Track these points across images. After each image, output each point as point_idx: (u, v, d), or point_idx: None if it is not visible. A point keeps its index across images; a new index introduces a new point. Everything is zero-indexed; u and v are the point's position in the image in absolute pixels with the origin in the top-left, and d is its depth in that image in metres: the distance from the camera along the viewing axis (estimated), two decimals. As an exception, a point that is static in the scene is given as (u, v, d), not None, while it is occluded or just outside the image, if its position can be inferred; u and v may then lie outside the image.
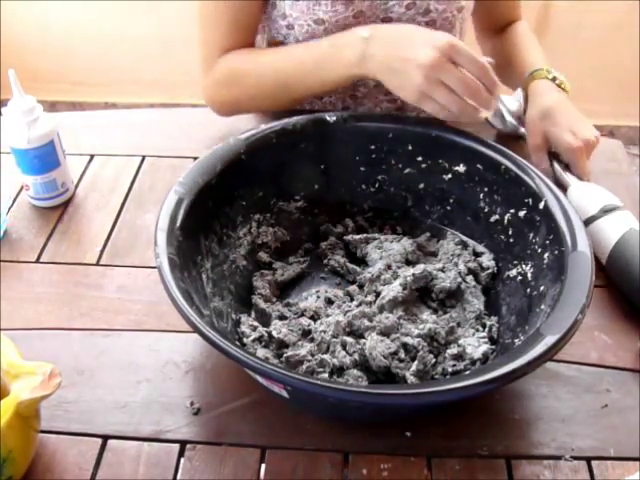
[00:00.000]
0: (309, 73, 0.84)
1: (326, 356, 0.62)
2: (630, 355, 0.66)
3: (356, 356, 0.62)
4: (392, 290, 0.67)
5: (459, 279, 0.69)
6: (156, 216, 0.63)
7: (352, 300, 0.70)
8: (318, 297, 0.70)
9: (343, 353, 0.62)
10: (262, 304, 0.69)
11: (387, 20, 0.87)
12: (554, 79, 0.87)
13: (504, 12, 1.03)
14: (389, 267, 0.71)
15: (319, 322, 0.66)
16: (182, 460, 0.58)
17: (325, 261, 0.75)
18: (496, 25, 1.04)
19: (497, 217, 0.72)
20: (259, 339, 0.64)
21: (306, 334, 0.65)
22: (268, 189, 0.75)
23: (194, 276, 0.63)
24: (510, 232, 0.70)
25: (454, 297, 0.69)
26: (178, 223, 0.63)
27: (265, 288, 0.70)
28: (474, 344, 0.64)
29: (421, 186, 0.77)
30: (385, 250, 0.73)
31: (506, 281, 0.69)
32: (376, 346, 0.62)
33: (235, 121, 0.94)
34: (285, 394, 0.56)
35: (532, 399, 0.63)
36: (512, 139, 0.90)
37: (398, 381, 0.62)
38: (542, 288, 0.63)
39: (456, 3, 0.89)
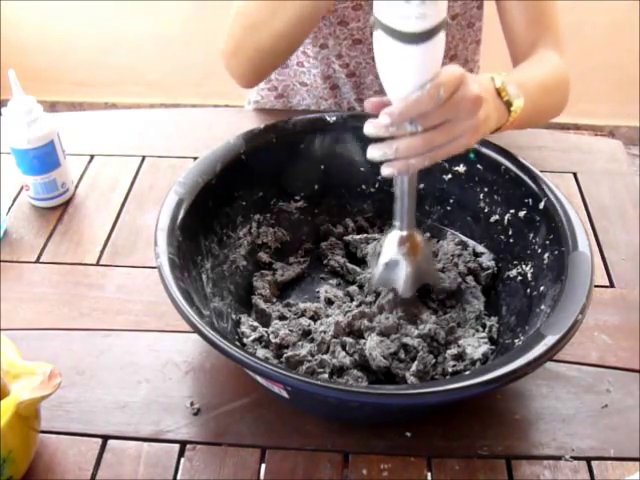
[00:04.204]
0: None
1: (326, 356, 0.62)
2: (630, 355, 0.66)
3: (356, 356, 0.62)
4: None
5: (459, 279, 0.69)
6: (156, 216, 0.63)
7: (352, 300, 0.70)
8: (318, 297, 0.70)
9: (343, 353, 0.62)
10: (262, 304, 0.69)
11: None
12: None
13: (522, 31, 0.88)
14: (389, 267, 0.71)
15: (319, 322, 0.66)
16: (182, 460, 0.58)
17: (325, 261, 0.75)
18: (519, 52, 0.89)
19: (497, 217, 0.71)
20: (259, 339, 0.64)
21: (306, 334, 0.65)
22: (268, 189, 0.75)
23: (194, 276, 0.63)
24: (510, 232, 0.70)
25: (454, 297, 0.69)
26: (178, 223, 0.63)
27: (265, 288, 0.70)
28: (474, 344, 0.64)
29: (421, 186, 0.76)
30: (385, 250, 0.73)
31: (506, 281, 0.69)
32: (376, 346, 0.62)
33: (235, 121, 0.94)
34: (285, 394, 0.56)
35: (532, 399, 0.63)
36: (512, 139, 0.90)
37: (398, 381, 0.62)
38: (542, 288, 0.63)
39: (450, 10, 0.85)
